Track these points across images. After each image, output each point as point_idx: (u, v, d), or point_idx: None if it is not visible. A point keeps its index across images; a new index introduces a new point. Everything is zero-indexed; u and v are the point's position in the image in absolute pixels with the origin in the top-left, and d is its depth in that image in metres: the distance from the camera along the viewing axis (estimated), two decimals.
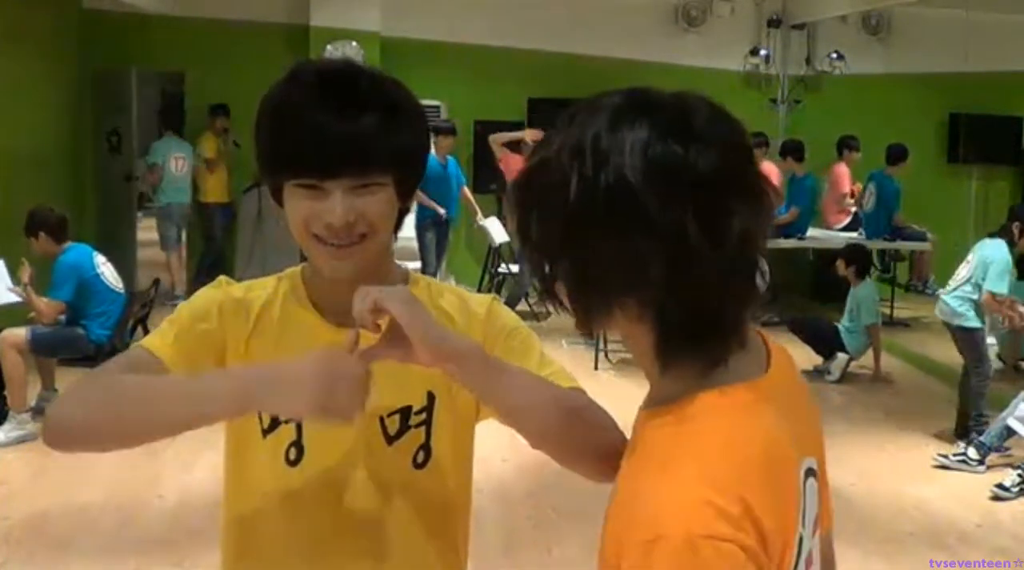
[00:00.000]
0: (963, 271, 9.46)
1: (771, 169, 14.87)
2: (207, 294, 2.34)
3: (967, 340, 9.45)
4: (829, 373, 11.46)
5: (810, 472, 1.71)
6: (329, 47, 14.72)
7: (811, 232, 14.60)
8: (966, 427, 9.41)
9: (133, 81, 15.27)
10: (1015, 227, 9.38)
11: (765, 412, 1.63)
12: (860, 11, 15.83)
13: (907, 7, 15.44)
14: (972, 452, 8.66)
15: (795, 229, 14.08)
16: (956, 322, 9.40)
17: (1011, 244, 9.36)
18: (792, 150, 14.42)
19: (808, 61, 16.54)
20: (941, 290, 9.81)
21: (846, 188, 15.03)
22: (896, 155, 14.42)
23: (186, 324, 2.27)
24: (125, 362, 2.22)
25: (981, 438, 8.68)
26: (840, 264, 11.84)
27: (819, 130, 15.82)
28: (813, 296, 14.47)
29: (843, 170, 15.23)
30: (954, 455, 8.76)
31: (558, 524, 7.33)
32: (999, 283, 9.16)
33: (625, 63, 15.80)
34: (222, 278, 2.41)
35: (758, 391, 1.64)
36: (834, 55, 16.24)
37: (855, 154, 15.12)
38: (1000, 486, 8.12)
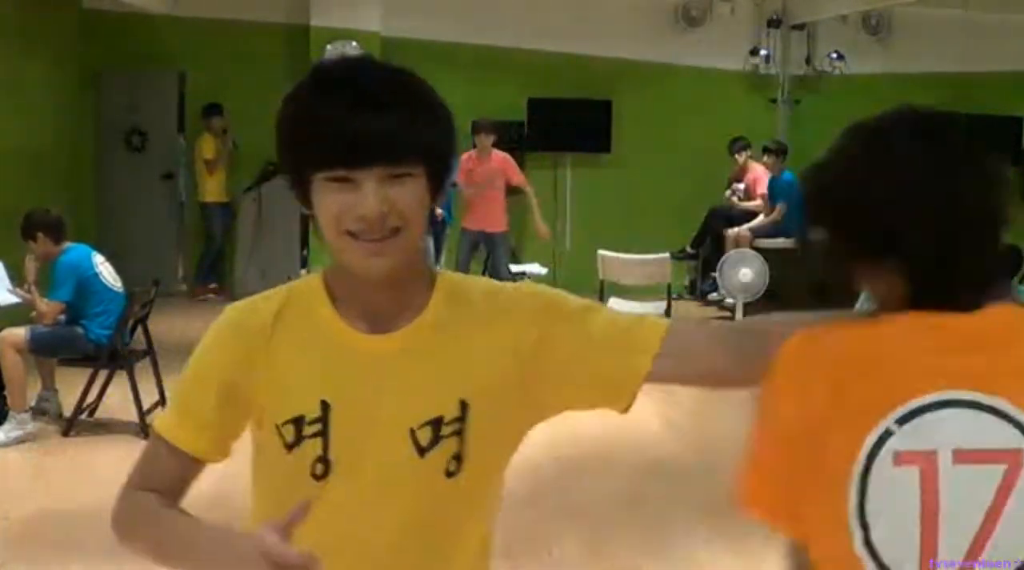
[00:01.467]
0: None
1: (758, 169, 14.90)
2: (214, 336, 2.30)
3: None
4: None
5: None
6: (329, 47, 14.71)
7: None
8: None
9: (176, 80, 15.56)
10: None
11: None
12: (860, 11, 15.83)
13: (907, 7, 15.45)
14: None
15: (786, 228, 14.10)
16: None
17: None
18: (772, 150, 14.40)
19: (808, 61, 16.54)
20: None
21: None
22: None
23: (202, 384, 2.27)
24: (155, 473, 2.29)
25: None
26: None
27: (819, 130, 15.74)
28: (813, 295, 14.46)
29: None
30: None
31: (558, 524, 7.33)
32: None
33: (625, 63, 15.83)
34: (228, 309, 2.34)
35: None
36: (834, 55, 16.25)
37: None
38: None
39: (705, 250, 15.08)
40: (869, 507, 1.84)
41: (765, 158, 14.39)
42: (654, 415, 9.78)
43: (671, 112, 16.12)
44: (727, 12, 16.17)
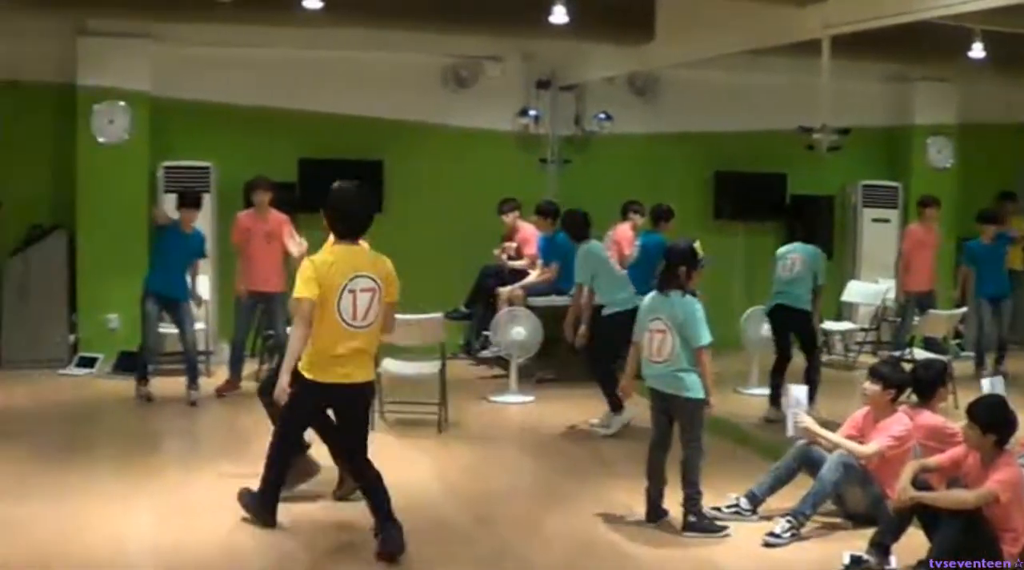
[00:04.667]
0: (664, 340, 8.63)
1: (527, 229, 15.02)
2: None
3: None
4: (607, 427, 11.57)
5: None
6: (96, 107, 14.45)
7: None
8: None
9: None
10: (681, 271, 8.59)
11: None
12: (626, 73, 16.12)
13: (672, 69, 15.78)
14: (744, 502, 8.80)
15: (559, 286, 14.17)
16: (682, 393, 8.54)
17: (681, 288, 8.61)
18: (545, 211, 14.39)
19: (577, 121, 16.79)
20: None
21: (628, 250, 15.16)
22: (659, 215, 14.73)
23: None
24: None
25: (752, 488, 8.81)
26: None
27: (588, 188, 16.06)
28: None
29: (626, 231, 15.44)
30: (727, 507, 8.86)
31: None
32: (708, 334, 8.45)
33: (396, 124, 15.86)
34: None
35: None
36: (602, 115, 16.53)
37: (638, 217, 15.36)
38: (772, 534, 8.26)
39: (478, 309, 15.12)
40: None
41: (537, 218, 14.46)
42: (432, 476, 9.79)
43: (442, 172, 16.21)
44: (497, 73, 16.35)
